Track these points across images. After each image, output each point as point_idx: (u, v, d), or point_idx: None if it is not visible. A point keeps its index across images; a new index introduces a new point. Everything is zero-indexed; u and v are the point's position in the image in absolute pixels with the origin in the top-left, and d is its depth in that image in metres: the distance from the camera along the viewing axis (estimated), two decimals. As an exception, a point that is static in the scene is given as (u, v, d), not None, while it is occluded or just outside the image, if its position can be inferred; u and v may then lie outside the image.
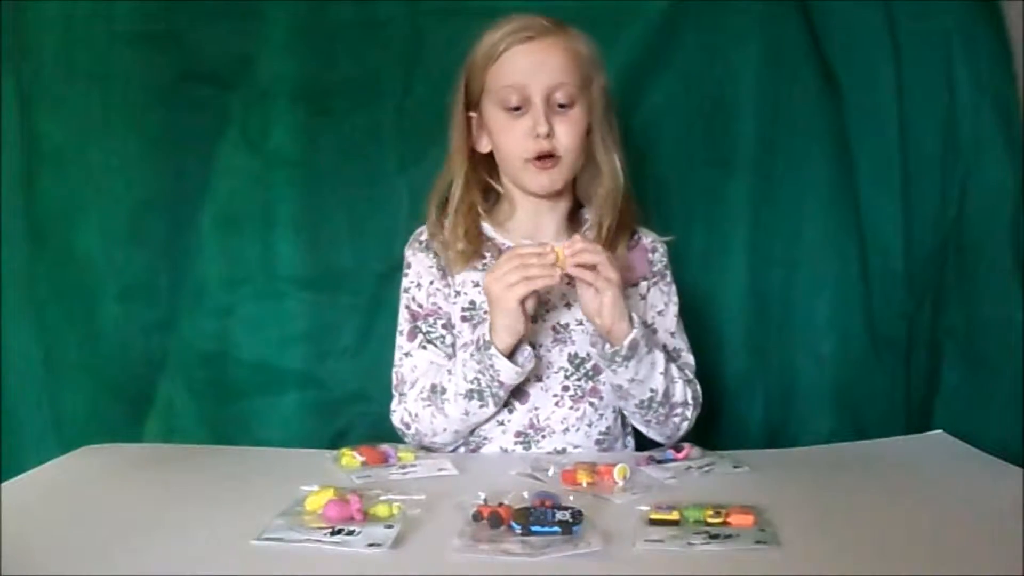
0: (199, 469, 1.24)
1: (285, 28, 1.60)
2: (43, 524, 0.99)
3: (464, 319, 1.30)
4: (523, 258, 1.16)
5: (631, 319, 1.19)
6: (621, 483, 1.07)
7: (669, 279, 1.35)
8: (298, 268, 1.63)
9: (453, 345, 1.30)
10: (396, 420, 1.30)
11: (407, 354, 1.31)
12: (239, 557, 0.87)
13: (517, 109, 1.23)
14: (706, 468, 1.16)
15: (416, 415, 1.26)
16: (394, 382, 1.32)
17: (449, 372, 1.24)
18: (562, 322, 1.29)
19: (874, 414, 1.57)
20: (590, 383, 1.29)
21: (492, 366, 1.20)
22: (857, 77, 1.56)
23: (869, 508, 1.01)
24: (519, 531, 0.90)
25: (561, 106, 1.23)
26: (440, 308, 1.31)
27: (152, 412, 1.63)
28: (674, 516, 0.94)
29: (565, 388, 1.29)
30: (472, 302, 1.29)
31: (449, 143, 1.31)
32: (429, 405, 1.25)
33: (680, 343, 1.34)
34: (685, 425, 1.29)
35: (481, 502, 0.96)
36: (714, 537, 0.89)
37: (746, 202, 1.63)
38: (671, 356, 1.29)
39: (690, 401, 1.28)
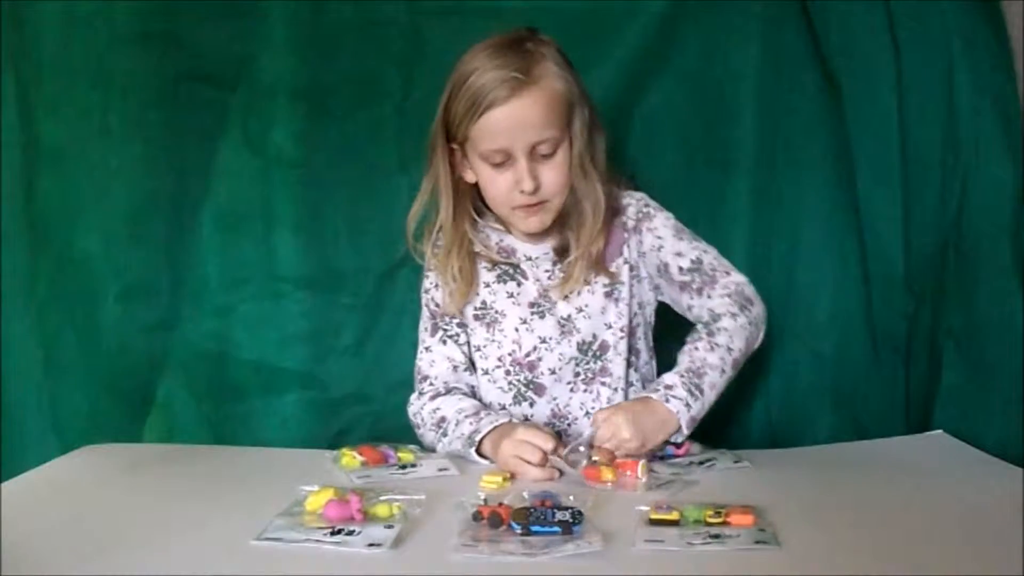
0: (199, 469, 1.24)
1: (285, 28, 1.60)
2: (43, 524, 0.99)
3: (476, 318, 1.34)
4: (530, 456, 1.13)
5: (671, 409, 1.18)
6: (644, 479, 1.08)
7: (652, 215, 1.36)
8: (298, 268, 1.62)
9: (468, 344, 1.36)
10: (410, 413, 1.35)
11: (427, 348, 1.37)
12: (239, 557, 0.88)
13: (501, 164, 1.25)
14: (708, 464, 1.17)
15: (426, 425, 1.31)
16: (416, 376, 1.37)
17: (456, 421, 1.26)
18: (564, 315, 1.32)
19: (874, 414, 1.57)
20: (599, 363, 1.33)
21: (471, 459, 1.22)
22: (857, 78, 1.56)
23: (869, 508, 1.01)
24: (519, 531, 0.90)
25: (544, 155, 1.25)
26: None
27: (152, 412, 1.63)
28: (674, 516, 0.94)
29: (576, 374, 1.33)
30: (484, 302, 1.35)
31: (430, 173, 1.32)
32: (435, 431, 1.29)
33: (697, 252, 1.33)
34: (763, 329, 1.33)
35: (481, 502, 0.96)
36: (714, 537, 0.89)
37: (746, 202, 1.63)
38: (709, 318, 1.29)
39: (754, 315, 1.30)
